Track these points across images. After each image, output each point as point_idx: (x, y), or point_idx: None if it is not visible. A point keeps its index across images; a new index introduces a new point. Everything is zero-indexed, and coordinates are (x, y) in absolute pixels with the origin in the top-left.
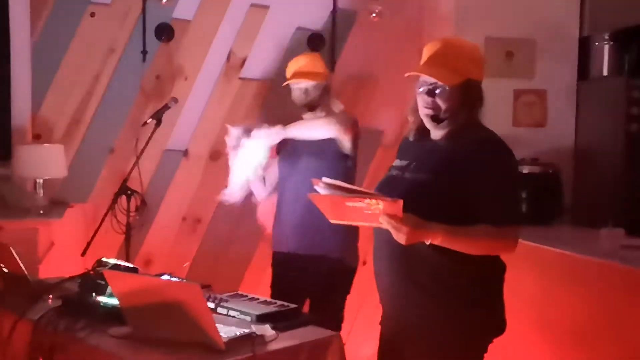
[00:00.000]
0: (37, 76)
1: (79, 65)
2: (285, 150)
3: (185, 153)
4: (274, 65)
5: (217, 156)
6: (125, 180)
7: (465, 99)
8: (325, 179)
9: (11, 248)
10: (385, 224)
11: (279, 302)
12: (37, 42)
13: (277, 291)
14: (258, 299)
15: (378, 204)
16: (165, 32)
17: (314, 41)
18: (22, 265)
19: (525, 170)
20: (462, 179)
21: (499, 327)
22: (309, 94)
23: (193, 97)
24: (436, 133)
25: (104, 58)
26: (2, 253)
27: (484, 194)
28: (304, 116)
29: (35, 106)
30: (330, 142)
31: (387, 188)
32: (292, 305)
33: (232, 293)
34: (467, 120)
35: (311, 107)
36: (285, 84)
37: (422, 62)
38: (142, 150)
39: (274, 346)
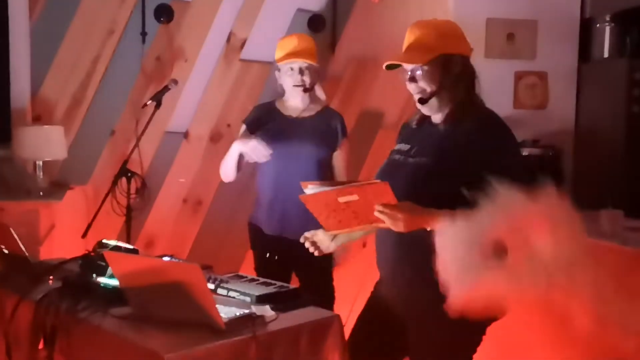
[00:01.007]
0: (37, 58)
1: (79, 47)
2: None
3: (186, 135)
4: (275, 47)
5: (218, 138)
6: (125, 162)
7: (446, 73)
8: (312, 181)
9: (12, 229)
10: (381, 217)
11: (279, 283)
12: (36, 24)
13: (264, 271)
14: (258, 280)
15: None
16: (164, 13)
17: (315, 22)
18: (22, 246)
19: (525, 152)
20: (467, 159)
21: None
22: (305, 74)
23: (193, 79)
24: (436, 117)
25: (104, 39)
26: (2, 234)
27: (493, 172)
28: (294, 99)
29: (35, 88)
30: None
31: (390, 172)
32: (292, 286)
33: (232, 274)
34: (464, 100)
35: (306, 89)
36: (280, 62)
37: (398, 53)
38: (143, 132)
39: (274, 327)
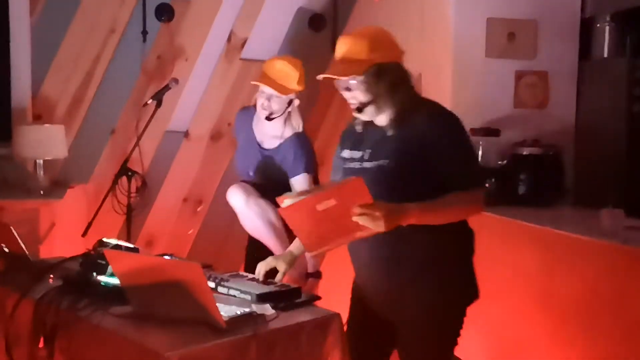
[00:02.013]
0: (38, 57)
1: (79, 46)
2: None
3: (186, 134)
4: (275, 46)
5: (218, 137)
6: (126, 161)
7: (380, 83)
8: (287, 194)
9: (12, 228)
10: (360, 221)
11: (279, 282)
12: (37, 23)
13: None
14: (258, 278)
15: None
16: (165, 12)
17: (316, 22)
18: (23, 245)
19: (526, 151)
20: (424, 154)
21: (475, 293)
22: (272, 101)
23: (194, 78)
24: (380, 119)
25: (105, 38)
26: (3, 233)
27: (450, 164)
28: (260, 121)
29: (36, 87)
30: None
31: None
32: (293, 286)
33: (233, 273)
34: (405, 101)
35: (267, 117)
36: (253, 83)
37: (330, 66)
38: (143, 131)
39: (274, 325)
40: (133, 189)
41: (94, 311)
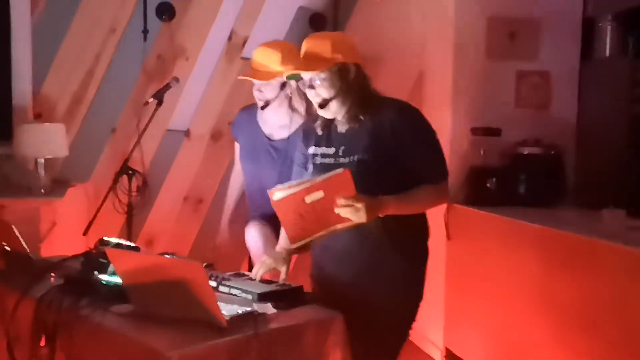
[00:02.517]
0: (38, 55)
1: (80, 45)
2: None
3: (187, 133)
4: None
5: (219, 136)
6: (126, 160)
7: (343, 81)
8: (278, 186)
9: (13, 227)
10: (342, 213)
11: (281, 282)
12: (38, 22)
13: None
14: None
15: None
16: (166, 11)
17: (316, 21)
18: (24, 244)
19: (527, 151)
20: (396, 148)
21: (421, 295)
22: (264, 90)
23: (195, 77)
24: (339, 117)
25: (105, 37)
26: (4, 232)
27: (419, 157)
28: (263, 113)
29: (37, 85)
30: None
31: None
32: (294, 285)
33: (234, 272)
34: (361, 98)
35: (264, 107)
36: (240, 77)
37: (296, 64)
38: (144, 130)
39: (275, 325)
40: (134, 187)
41: (95, 310)
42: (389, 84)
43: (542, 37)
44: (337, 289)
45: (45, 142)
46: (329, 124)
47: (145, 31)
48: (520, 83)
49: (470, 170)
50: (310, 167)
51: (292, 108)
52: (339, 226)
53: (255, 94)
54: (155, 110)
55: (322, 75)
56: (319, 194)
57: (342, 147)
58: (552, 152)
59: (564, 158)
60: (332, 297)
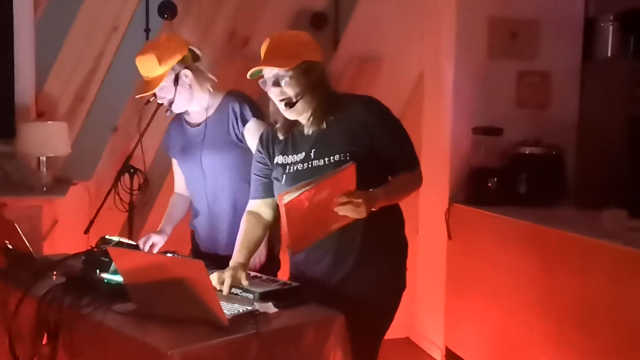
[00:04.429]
0: (41, 54)
1: (82, 43)
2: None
3: None
4: None
5: None
6: (128, 159)
7: (308, 79)
8: (288, 190)
9: (16, 225)
10: (341, 211)
11: (282, 281)
12: (40, 20)
13: None
14: (261, 277)
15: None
16: (168, 9)
17: (317, 20)
18: (27, 242)
19: (527, 151)
20: (369, 141)
21: (405, 283)
22: (163, 95)
23: None
24: (302, 118)
25: (107, 36)
26: (7, 230)
27: (392, 147)
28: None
29: (39, 84)
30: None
31: (300, 181)
32: (295, 284)
33: None
34: (324, 97)
35: (168, 109)
36: (138, 96)
37: (260, 61)
38: (145, 129)
39: (276, 324)
40: (135, 186)
41: (96, 308)
42: (389, 84)
43: (543, 37)
44: (321, 291)
45: (47, 140)
46: (290, 128)
47: (147, 30)
48: (521, 83)
49: (471, 169)
50: (283, 177)
51: (199, 93)
52: (334, 226)
53: (158, 101)
54: (157, 108)
55: (290, 72)
56: (325, 192)
57: (314, 150)
58: (553, 152)
59: (565, 158)
60: (316, 297)
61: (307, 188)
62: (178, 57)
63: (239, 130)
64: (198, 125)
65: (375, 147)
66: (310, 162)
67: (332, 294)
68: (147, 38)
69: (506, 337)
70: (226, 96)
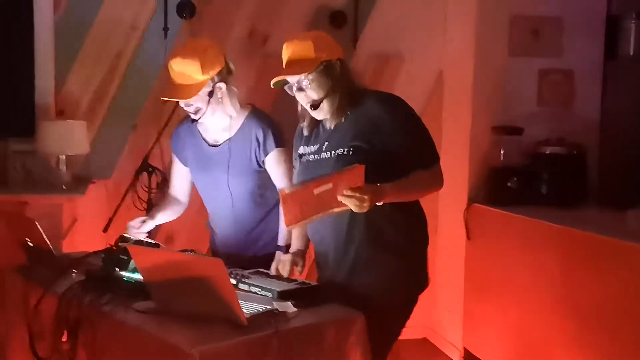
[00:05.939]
0: (61, 53)
1: (102, 43)
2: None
3: None
4: None
5: None
6: (146, 157)
7: (330, 79)
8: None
9: (37, 223)
10: (346, 201)
11: (300, 280)
12: (60, 20)
13: None
14: (280, 276)
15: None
16: (187, 9)
17: (337, 19)
18: (47, 240)
19: (549, 150)
20: (382, 137)
21: (426, 280)
22: (194, 105)
23: None
24: (327, 116)
25: (126, 35)
26: (27, 228)
27: (408, 143)
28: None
29: (59, 83)
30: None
31: (309, 172)
32: (313, 283)
33: (254, 270)
34: (350, 92)
35: (194, 119)
36: (162, 98)
37: (282, 70)
38: (164, 128)
39: (295, 323)
40: (153, 184)
41: (116, 306)
42: (409, 82)
43: (565, 35)
44: (330, 284)
45: (67, 139)
46: (317, 123)
47: (165, 29)
48: (542, 81)
49: (491, 169)
50: (298, 166)
51: (227, 112)
52: (336, 209)
53: (184, 107)
54: (175, 107)
55: (310, 76)
56: (328, 186)
57: (326, 143)
58: (575, 152)
59: (587, 157)
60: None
61: (303, 186)
62: (218, 68)
63: (261, 160)
64: (217, 145)
65: (386, 142)
66: (319, 154)
67: (341, 288)
68: (166, 37)
69: (526, 339)
70: (249, 118)
